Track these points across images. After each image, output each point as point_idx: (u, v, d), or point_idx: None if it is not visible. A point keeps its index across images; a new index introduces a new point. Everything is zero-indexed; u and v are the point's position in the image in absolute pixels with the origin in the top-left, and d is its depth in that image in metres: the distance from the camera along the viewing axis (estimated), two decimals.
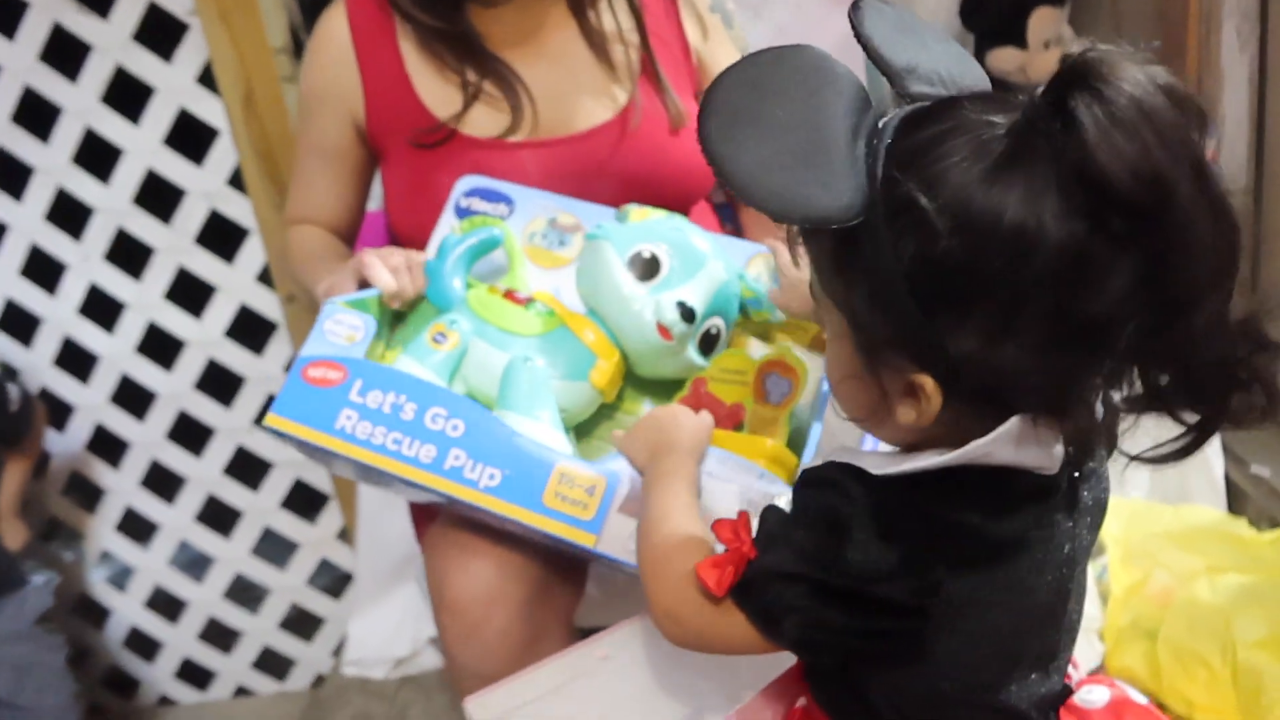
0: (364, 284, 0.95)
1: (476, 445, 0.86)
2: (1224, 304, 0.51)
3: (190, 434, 1.78)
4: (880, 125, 0.54)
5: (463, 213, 1.03)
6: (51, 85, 1.62)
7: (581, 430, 0.97)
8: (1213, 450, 1.58)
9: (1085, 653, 1.41)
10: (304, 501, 1.83)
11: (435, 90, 1.08)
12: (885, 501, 0.57)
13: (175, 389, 1.75)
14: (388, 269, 0.94)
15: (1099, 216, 0.49)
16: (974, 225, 0.50)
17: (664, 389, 0.98)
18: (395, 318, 1.00)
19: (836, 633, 0.57)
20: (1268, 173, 1.63)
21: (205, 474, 1.80)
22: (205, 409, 1.77)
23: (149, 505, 1.81)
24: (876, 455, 0.59)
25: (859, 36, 0.57)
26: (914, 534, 0.57)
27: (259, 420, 1.77)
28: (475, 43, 1.06)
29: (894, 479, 0.57)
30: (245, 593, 1.87)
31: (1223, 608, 1.31)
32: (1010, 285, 0.50)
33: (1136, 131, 0.47)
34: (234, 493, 1.81)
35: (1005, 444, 0.55)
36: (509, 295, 0.97)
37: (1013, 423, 0.54)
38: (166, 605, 1.86)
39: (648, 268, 0.91)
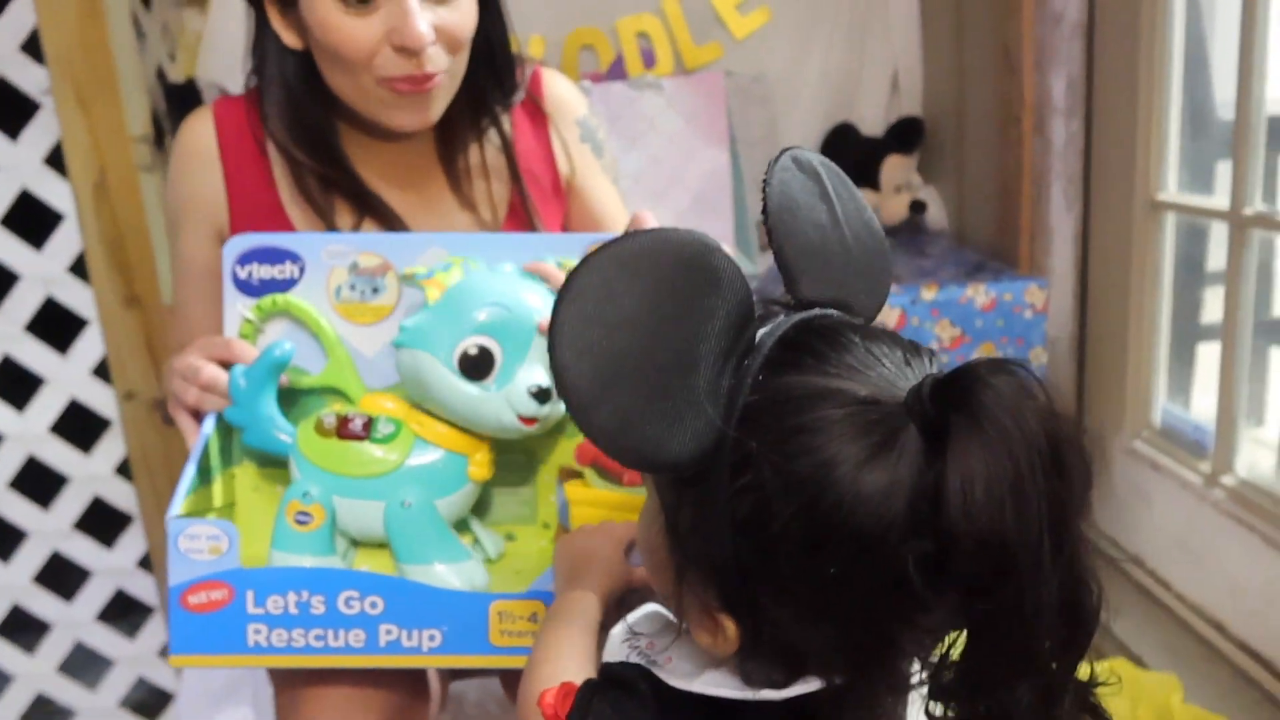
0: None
1: (404, 614, 0.81)
2: (1066, 660, 0.48)
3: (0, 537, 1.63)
4: (756, 341, 0.50)
5: (246, 286, 0.91)
6: None
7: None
8: None
9: None
10: (122, 612, 1.69)
11: (311, 222, 1.03)
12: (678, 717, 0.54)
13: None
14: (190, 402, 0.87)
15: (940, 553, 0.46)
16: (817, 517, 0.46)
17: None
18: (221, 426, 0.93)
19: None
20: (1091, 320, 1.78)
21: (12, 581, 1.64)
22: (19, 510, 1.62)
23: None
24: (677, 662, 0.56)
25: (765, 211, 0.55)
26: None
27: (79, 524, 1.64)
28: (358, 182, 1.03)
29: (689, 696, 0.54)
30: (48, 717, 1.69)
31: None
32: (840, 578, 0.47)
33: (1000, 493, 0.44)
34: (43, 603, 1.65)
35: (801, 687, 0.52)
36: (343, 428, 0.87)
37: (811, 680, 0.51)
38: None
39: (480, 364, 0.83)
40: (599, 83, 1.97)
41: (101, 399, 1.60)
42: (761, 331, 0.51)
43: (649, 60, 2.03)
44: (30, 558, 1.64)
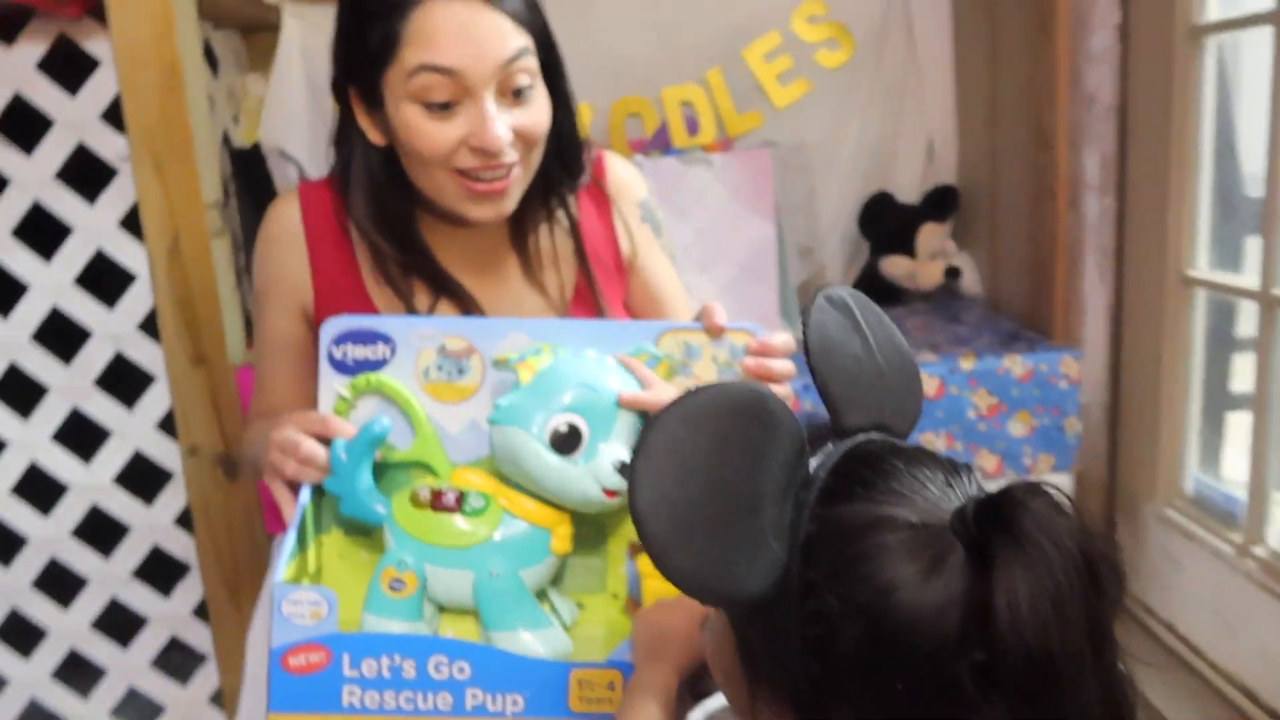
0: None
1: (488, 679, 0.86)
2: None
3: (60, 584, 1.68)
4: (811, 473, 0.55)
5: (341, 365, 0.97)
6: None
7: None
8: None
9: None
10: (176, 659, 1.73)
11: (391, 303, 1.08)
12: None
13: (50, 535, 1.66)
14: (289, 474, 0.92)
15: (990, 663, 0.49)
16: (881, 636, 0.50)
17: None
18: (317, 492, 0.98)
19: None
20: (1124, 390, 1.82)
21: (71, 628, 1.68)
22: (81, 558, 1.67)
23: (1, 659, 1.68)
24: None
25: (807, 352, 0.61)
26: None
27: (139, 572, 1.69)
28: (437, 267, 1.08)
29: None
30: None
31: None
32: (901, 690, 0.51)
33: (1044, 609, 0.47)
34: (100, 649, 1.70)
35: None
36: (437, 501, 0.92)
37: None
38: None
39: (569, 440, 0.89)
40: (643, 150, 2.04)
41: (165, 452, 1.65)
42: (813, 463, 0.56)
43: (692, 127, 2.10)
44: (90, 604, 1.69)
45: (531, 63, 0.96)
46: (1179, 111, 1.61)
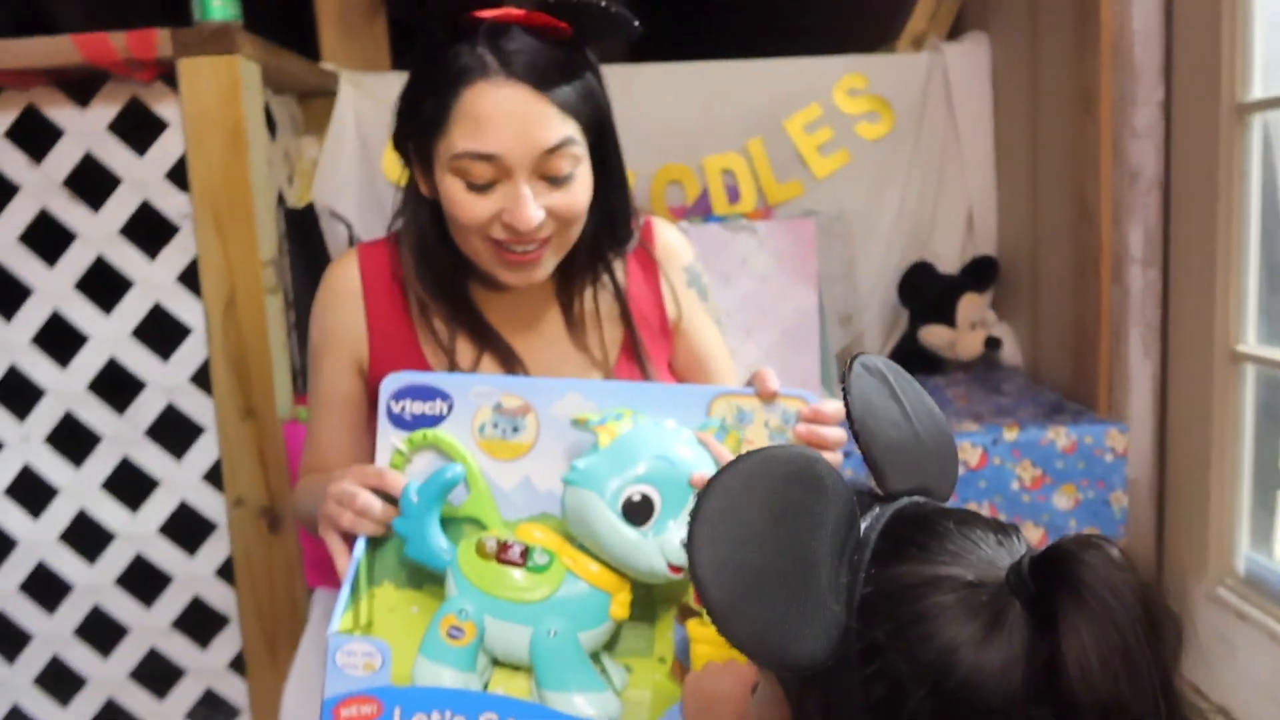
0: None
1: None
2: None
3: (101, 632, 1.69)
4: (862, 535, 0.55)
5: (399, 420, 0.99)
6: (27, 267, 1.63)
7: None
8: None
9: None
10: (212, 715, 1.73)
11: (439, 359, 1.11)
12: None
13: (93, 583, 1.68)
14: (345, 525, 0.93)
15: (1062, 717, 0.49)
16: (946, 696, 0.50)
17: None
18: (371, 545, 0.99)
19: None
20: (1170, 465, 1.79)
21: (109, 676, 1.69)
22: (123, 607, 1.69)
23: (40, 707, 1.68)
24: None
25: (849, 416, 0.62)
26: None
27: (178, 622, 1.70)
28: (482, 323, 1.10)
29: None
30: None
31: None
32: None
33: (1113, 662, 0.48)
34: (137, 699, 1.71)
35: None
36: (503, 553, 0.93)
37: None
38: None
39: (641, 510, 0.90)
40: (685, 216, 2.07)
41: (210, 503, 1.67)
42: (864, 526, 0.56)
43: (733, 196, 2.14)
44: (129, 654, 1.70)
45: (576, 149, 0.99)
46: (1224, 187, 1.61)
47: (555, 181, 0.99)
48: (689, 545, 0.53)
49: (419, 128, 1.01)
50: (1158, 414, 1.77)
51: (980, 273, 2.12)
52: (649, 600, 1.00)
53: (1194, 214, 1.69)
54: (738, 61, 2.16)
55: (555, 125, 0.97)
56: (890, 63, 2.19)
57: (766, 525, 0.53)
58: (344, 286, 1.13)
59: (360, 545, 0.95)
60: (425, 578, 0.96)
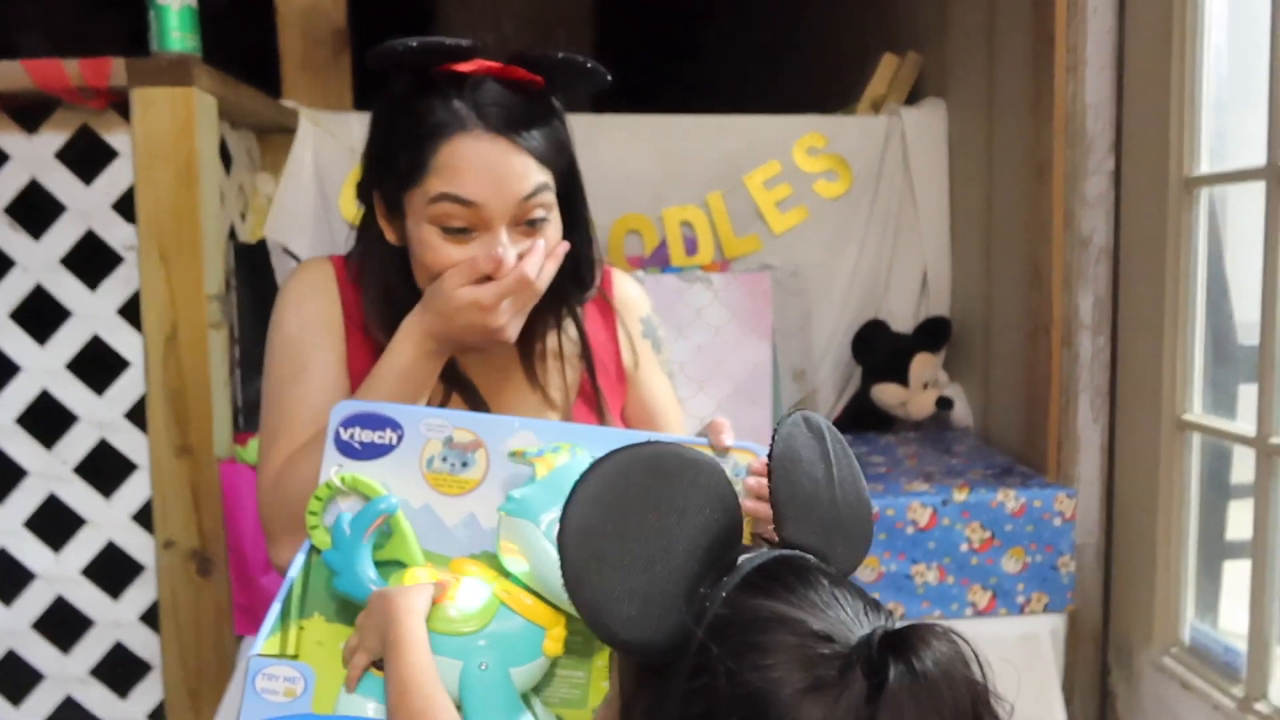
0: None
1: None
2: None
3: (15, 678, 1.61)
4: (738, 564, 0.57)
5: (346, 448, 0.96)
6: None
7: None
8: None
9: None
10: None
11: None
12: None
13: (9, 626, 1.60)
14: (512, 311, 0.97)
15: None
16: None
17: None
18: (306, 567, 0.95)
19: None
20: (1117, 531, 1.80)
21: None
22: (40, 653, 1.61)
23: None
24: None
25: (770, 453, 0.63)
26: None
27: (96, 670, 1.63)
28: (449, 364, 1.09)
29: None
30: None
31: None
32: None
33: None
34: None
35: None
36: (439, 593, 0.89)
37: None
38: None
39: None
40: (642, 266, 2.07)
41: (139, 545, 1.61)
42: (744, 557, 0.58)
43: (691, 248, 2.14)
44: (43, 702, 1.61)
45: (548, 197, 1.01)
46: (1172, 258, 1.64)
47: (530, 225, 1.00)
48: (562, 514, 0.56)
49: (391, 179, 1.01)
50: (1105, 479, 1.79)
51: (933, 333, 2.13)
52: (587, 649, 0.97)
53: (1142, 283, 1.72)
54: (701, 116, 2.18)
55: (532, 174, 0.98)
56: (850, 124, 2.23)
57: (635, 509, 0.56)
58: (321, 280, 1.11)
59: (298, 562, 0.92)
60: (356, 611, 0.93)
